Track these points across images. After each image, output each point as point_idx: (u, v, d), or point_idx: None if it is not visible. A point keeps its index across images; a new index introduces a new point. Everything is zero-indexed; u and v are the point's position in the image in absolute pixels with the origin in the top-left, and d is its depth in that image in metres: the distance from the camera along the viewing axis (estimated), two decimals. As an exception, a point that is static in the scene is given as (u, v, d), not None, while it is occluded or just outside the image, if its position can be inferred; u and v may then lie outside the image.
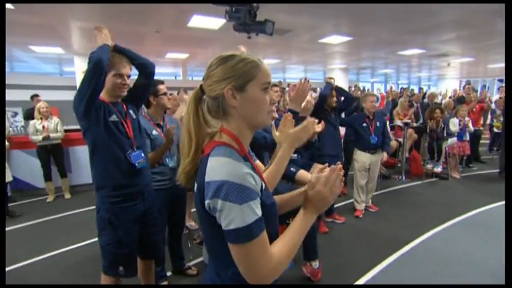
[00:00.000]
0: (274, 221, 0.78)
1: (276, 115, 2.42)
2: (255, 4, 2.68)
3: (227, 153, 0.70)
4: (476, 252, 2.67)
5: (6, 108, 4.29)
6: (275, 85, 3.59)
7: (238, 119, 0.75)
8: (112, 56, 1.53)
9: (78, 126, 1.55)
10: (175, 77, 13.38)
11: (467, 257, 2.60)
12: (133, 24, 5.10)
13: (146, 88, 1.83)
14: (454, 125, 4.86)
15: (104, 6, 4.15)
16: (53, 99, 6.02)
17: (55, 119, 4.25)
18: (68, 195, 4.39)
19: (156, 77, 1.87)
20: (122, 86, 1.60)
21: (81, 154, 4.66)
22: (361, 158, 3.48)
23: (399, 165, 5.45)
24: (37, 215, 3.72)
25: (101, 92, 1.51)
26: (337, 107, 3.32)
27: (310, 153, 2.71)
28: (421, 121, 5.50)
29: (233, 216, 0.63)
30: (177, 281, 2.33)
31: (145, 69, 1.73)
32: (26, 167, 4.44)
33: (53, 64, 10.33)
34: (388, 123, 5.59)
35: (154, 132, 2.01)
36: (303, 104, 1.79)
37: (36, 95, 5.45)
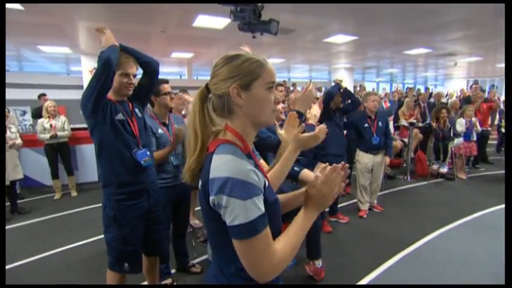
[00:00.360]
0: (277, 218, 0.79)
1: (283, 116, 2.43)
2: (259, 4, 2.69)
3: (231, 151, 0.71)
4: (481, 253, 2.65)
5: (15, 107, 4.36)
6: (280, 84, 3.60)
7: (243, 117, 0.77)
8: (119, 56, 1.56)
9: (84, 125, 1.58)
10: (181, 77, 13.46)
11: (472, 258, 2.58)
12: (139, 24, 5.15)
13: (151, 87, 1.84)
14: (460, 125, 4.81)
15: (110, 6, 4.20)
16: (60, 98, 6.10)
17: (62, 118, 4.32)
18: (74, 193, 4.46)
19: (161, 77, 1.88)
20: (128, 85, 1.63)
21: (87, 152, 4.71)
22: (363, 159, 3.44)
23: (404, 165, 5.41)
24: (45, 212, 3.79)
25: (109, 91, 1.54)
26: (343, 108, 3.31)
27: (314, 152, 2.71)
28: (428, 121, 5.45)
29: (237, 212, 0.65)
30: (181, 278, 2.35)
31: (150, 68, 1.74)
32: (34, 164, 4.52)
33: (60, 64, 10.48)
34: (392, 123, 5.57)
35: (159, 130, 2.03)
36: (313, 112, 1.79)
37: (43, 94, 5.54)
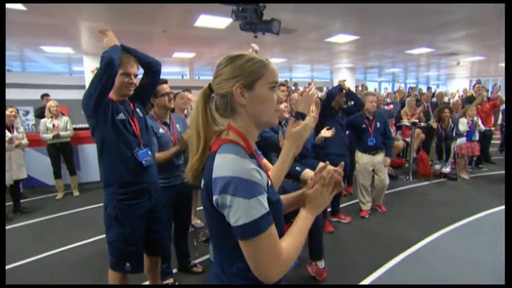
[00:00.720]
0: (280, 218, 0.79)
1: (287, 115, 2.43)
2: (261, 3, 2.68)
3: (234, 150, 0.71)
4: (484, 253, 2.63)
5: (18, 107, 4.39)
6: (282, 84, 3.59)
7: (246, 117, 0.77)
8: (121, 56, 1.56)
9: (87, 125, 1.58)
10: (182, 76, 13.48)
11: (475, 258, 2.57)
12: (141, 24, 5.16)
13: (152, 87, 1.84)
14: (463, 124, 4.79)
15: (112, 7, 4.21)
16: (63, 98, 6.13)
17: (65, 118, 4.34)
18: (76, 193, 4.48)
19: (162, 76, 1.87)
20: (129, 85, 1.63)
21: (89, 152, 4.73)
22: (362, 159, 3.42)
23: (406, 165, 5.39)
24: (47, 212, 3.81)
25: (110, 91, 1.54)
26: (346, 109, 3.29)
27: (315, 152, 2.71)
28: (431, 121, 5.42)
29: (242, 211, 0.64)
30: (183, 278, 2.35)
31: (152, 68, 1.75)
32: (36, 164, 4.54)
33: (63, 64, 10.52)
34: (394, 123, 5.55)
35: (161, 130, 2.03)
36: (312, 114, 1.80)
37: (46, 94, 5.56)
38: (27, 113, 7.17)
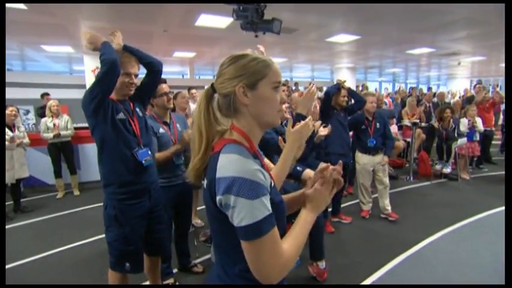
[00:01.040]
0: (282, 219, 0.79)
1: (288, 115, 2.42)
2: (262, 3, 2.68)
3: (237, 151, 0.71)
4: (485, 254, 2.62)
5: (18, 106, 4.39)
6: (283, 84, 3.57)
7: (249, 117, 0.76)
8: (121, 56, 1.56)
9: (87, 124, 1.57)
10: (183, 76, 13.47)
11: (476, 259, 2.56)
12: (141, 24, 5.16)
13: (153, 86, 1.84)
14: (463, 125, 4.78)
15: (112, 6, 4.21)
16: (63, 97, 6.13)
17: (65, 117, 4.33)
18: (77, 192, 4.47)
19: (163, 76, 1.87)
20: (130, 84, 1.63)
21: (90, 151, 4.73)
22: (362, 160, 3.40)
23: (407, 165, 5.38)
24: (47, 211, 3.80)
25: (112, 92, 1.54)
26: (348, 107, 3.28)
27: (316, 152, 2.70)
28: (433, 121, 5.41)
29: (246, 212, 0.64)
30: (183, 278, 2.34)
31: (153, 68, 1.75)
32: (37, 163, 4.53)
33: (63, 63, 10.52)
34: (395, 124, 5.54)
35: (161, 130, 2.02)
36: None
37: (46, 94, 5.56)
38: (27, 112, 7.17)
